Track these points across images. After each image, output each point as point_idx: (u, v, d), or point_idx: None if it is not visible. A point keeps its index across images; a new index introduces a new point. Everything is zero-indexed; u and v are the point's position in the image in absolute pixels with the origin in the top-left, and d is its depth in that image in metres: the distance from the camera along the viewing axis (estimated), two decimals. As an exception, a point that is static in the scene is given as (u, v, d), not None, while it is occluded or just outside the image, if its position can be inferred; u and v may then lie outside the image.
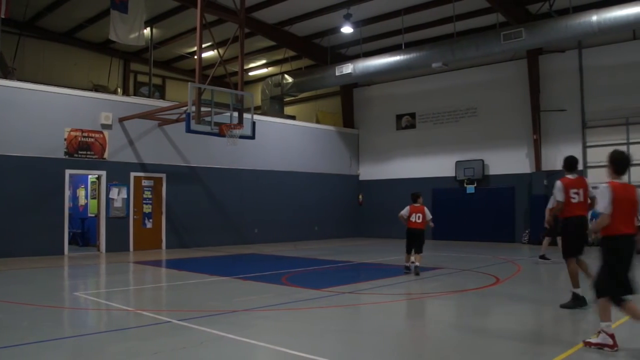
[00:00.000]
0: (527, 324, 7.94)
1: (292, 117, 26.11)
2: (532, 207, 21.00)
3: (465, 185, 23.32)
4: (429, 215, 13.02)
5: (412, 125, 25.61)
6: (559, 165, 20.92)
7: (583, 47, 20.74)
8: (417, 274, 12.64)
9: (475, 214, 22.81)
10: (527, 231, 21.40)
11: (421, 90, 25.23)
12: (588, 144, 20.63)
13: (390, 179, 25.86)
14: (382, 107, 26.63)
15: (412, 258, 12.92)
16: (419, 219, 12.86)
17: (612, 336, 5.96)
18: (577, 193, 8.71)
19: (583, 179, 9.18)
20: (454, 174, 23.67)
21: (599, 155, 20.20)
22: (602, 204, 6.05)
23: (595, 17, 17.13)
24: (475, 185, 23.05)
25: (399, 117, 26.01)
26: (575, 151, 20.54)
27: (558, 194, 8.81)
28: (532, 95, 21.57)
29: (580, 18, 17.51)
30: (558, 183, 8.86)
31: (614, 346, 5.92)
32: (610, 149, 19.31)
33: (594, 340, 6.05)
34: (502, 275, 12.39)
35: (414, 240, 12.95)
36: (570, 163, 9.03)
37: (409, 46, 21.83)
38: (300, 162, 24.50)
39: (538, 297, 10.18)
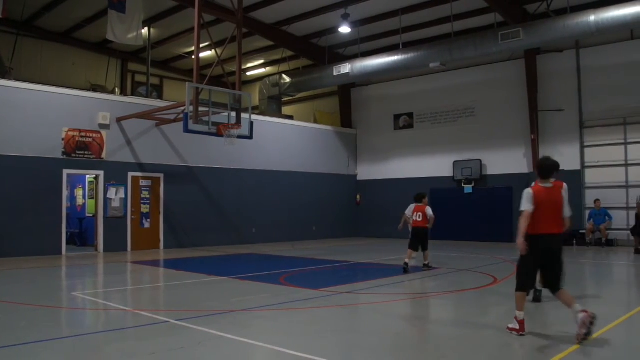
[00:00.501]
0: (526, 324, 7.95)
1: (290, 117, 26.11)
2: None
3: (463, 185, 23.33)
4: (429, 214, 13.44)
5: (410, 125, 25.62)
6: (556, 165, 21.02)
7: (581, 47, 20.77)
8: (427, 269, 13.42)
9: (473, 213, 22.82)
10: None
11: (419, 90, 25.24)
12: (586, 144, 20.65)
13: (388, 179, 25.89)
14: (380, 107, 26.64)
15: (414, 255, 13.60)
16: (419, 217, 13.48)
17: (521, 322, 6.71)
18: None
19: None
20: (451, 174, 23.69)
21: (596, 155, 20.30)
22: (524, 203, 6.71)
23: (593, 17, 17.13)
24: (473, 185, 23.07)
25: (397, 117, 26.02)
26: (573, 151, 20.65)
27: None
28: (530, 95, 21.58)
29: (578, 18, 17.50)
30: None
31: (520, 330, 6.70)
32: (609, 149, 19.63)
33: (510, 325, 6.85)
34: (500, 275, 12.39)
35: (416, 238, 13.54)
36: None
37: (406, 46, 21.81)
38: (298, 162, 24.50)
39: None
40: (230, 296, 10.06)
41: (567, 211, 6.82)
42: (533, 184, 6.96)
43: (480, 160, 22.97)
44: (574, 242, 19.90)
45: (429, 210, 13.48)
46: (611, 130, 20.11)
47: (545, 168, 6.87)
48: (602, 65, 20.31)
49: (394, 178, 25.53)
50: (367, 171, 27.02)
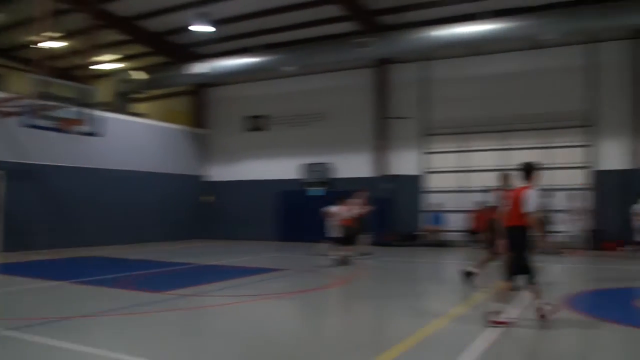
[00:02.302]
0: (365, 321, 8.37)
1: (143, 115, 25.41)
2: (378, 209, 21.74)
3: (313, 187, 23.80)
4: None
5: (264, 127, 25.77)
6: (402, 170, 22.24)
7: (428, 59, 22.02)
8: None
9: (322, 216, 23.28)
10: (372, 233, 22.17)
11: (274, 92, 25.50)
12: (428, 151, 22.01)
13: (241, 180, 25.88)
14: (235, 108, 26.58)
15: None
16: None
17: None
18: None
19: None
20: (302, 177, 24.17)
21: (438, 161, 21.65)
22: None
23: (440, 33, 18.68)
24: (323, 188, 23.55)
25: (251, 119, 26.07)
26: (416, 157, 22.00)
27: None
28: (379, 103, 22.67)
29: (427, 32, 18.88)
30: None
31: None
32: (450, 156, 20.91)
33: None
34: (345, 275, 12.87)
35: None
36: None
37: (263, 49, 22.05)
38: (149, 162, 23.91)
39: (379, 294, 10.76)
40: (69, 302, 9.70)
41: (525, 207, 7.46)
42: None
43: (330, 164, 23.68)
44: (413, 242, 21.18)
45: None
46: (453, 138, 21.56)
47: (523, 170, 7.79)
48: (447, 78, 21.74)
49: (247, 180, 25.62)
50: (220, 172, 26.80)
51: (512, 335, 7.09)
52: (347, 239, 15.11)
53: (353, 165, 23.27)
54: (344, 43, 20.22)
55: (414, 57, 22.00)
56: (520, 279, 7.62)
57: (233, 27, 22.31)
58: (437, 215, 21.41)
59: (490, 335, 6.93)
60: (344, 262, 14.71)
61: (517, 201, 7.55)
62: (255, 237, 24.18)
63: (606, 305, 9.56)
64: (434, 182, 21.87)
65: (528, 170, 7.76)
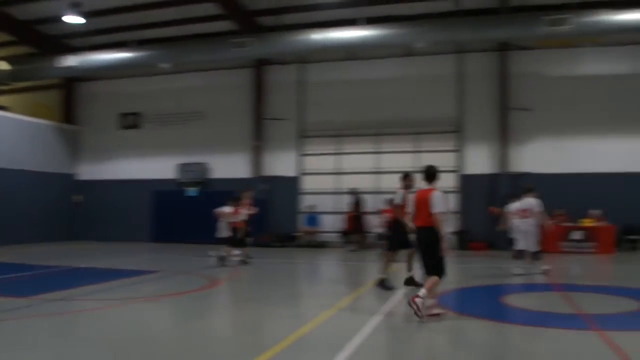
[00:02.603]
0: (241, 323, 8.34)
1: (7, 109, 23.87)
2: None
3: (188, 187, 23.42)
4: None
5: (138, 125, 25.03)
6: (278, 171, 22.39)
7: (305, 62, 22.34)
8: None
9: (198, 216, 22.80)
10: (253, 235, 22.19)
11: (148, 89, 24.81)
12: (304, 153, 22.34)
13: (112, 180, 24.89)
14: (107, 104, 25.53)
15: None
16: None
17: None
18: None
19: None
20: (177, 177, 23.73)
21: (313, 163, 22.01)
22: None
23: (317, 36, 18.86)
24: (198, 188, 23.26)
25: (124, 116, 25.21)
26: (293, 158, 22.29)
27: None
28: (257, 104, 22.71)
29: (304, 35, 19.06)
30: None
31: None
32: (324, 158, 21.28)
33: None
34: (219, 277, 12.76)
35: None
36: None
37: (138, 44, 21.33)
38: (12, 158, 22.40)
39: (256, 295, 10.77)
40: None
41: (434, 208, 7.85)
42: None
43: (206, 164, 23.43)
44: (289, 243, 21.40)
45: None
46: (327, 141, 22.01)
47: (426, 173, 8.22)
48: (323, 81, 22.16)
49: (119, 179, 24.70)
50: (90, 171, 25.62)
51: (385, 331, 7.35)
52: (236, 240, 15.03)
53: (230, 165, 23.13)
54: (222, 42, 20.06)
55: (291, 59, 22.25)
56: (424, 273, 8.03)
57: (106, 20, 21.45)
58: (313, 216, 21.74)
59: (365, 332, 7.12)
60: (226, 263, 14.65)
61: (425, 203, 7.94)
62: (130, 238, 23.38)
63: (475, 302, 10.06)
64: (311, 183, 22.18)
65: (431, 173, 8.19)
